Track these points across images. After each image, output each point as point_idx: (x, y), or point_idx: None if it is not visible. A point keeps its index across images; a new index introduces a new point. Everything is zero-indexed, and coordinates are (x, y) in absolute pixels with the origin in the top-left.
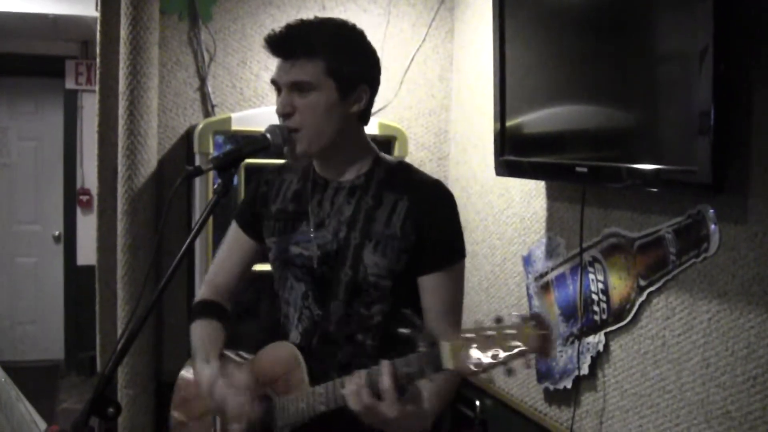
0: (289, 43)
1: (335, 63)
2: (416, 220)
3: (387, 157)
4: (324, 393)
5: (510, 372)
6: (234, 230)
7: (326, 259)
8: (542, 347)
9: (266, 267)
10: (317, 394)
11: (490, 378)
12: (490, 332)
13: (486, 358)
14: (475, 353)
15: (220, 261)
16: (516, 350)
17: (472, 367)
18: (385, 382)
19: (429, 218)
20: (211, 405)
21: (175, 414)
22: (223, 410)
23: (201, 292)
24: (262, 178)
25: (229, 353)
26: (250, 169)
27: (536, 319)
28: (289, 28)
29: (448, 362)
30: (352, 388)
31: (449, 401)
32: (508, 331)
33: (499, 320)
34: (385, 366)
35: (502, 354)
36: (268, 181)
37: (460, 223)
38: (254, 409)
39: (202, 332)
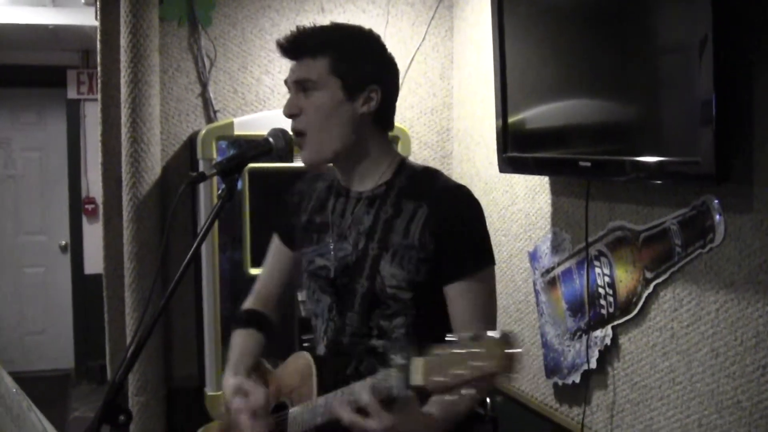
0: (296, 43)
1: (340, 61)
2: (435, 229)
3: (413, 163)
4: (323, 405)
5: (479, 391)
6: (274, 242)
7: (346, 271)
8: (505, 367)
9: None
10: (318, 405)
11: (457, 395)
12: (458, 350)
13: (451, 377)
14: (442, 371)
15: (264, 273)
16: (480, 371)
17: (438, 386)
18: (363, 398)
19: (448, 225)
20: (231, 415)
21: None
22: (236, 426)
23: (247, 301)
24: (296, 187)
25: (265, 362)
26: (254, 173)
27: (504, 338)
28: (300, 30)
29: (417, 379)
30: (338, 406)
31: (467, 407)
32: (476, 350)
33: (475, 338)
34: (362, 384)
35: (467, 373)
36: (301, 190)
37: (486, 228)
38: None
39: (238, 343)
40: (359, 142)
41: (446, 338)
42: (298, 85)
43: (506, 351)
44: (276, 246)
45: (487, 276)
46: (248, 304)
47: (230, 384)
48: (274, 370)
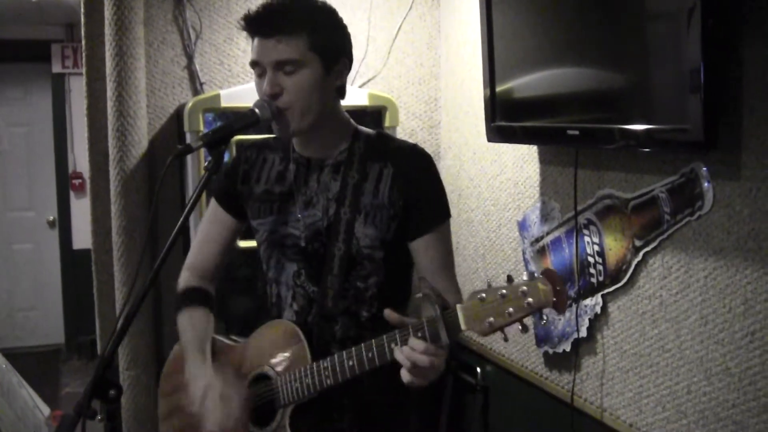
0: (270, 21)
1: (318, 38)
2: (402, 186)
3: (364, 129)
4: (330, 367)
5: (525, 328)
6: (213, 208)
7: (317, 237)
8: (556, 302)
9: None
10: (323, 368)
11: (506, 336)
12: (503, 291)
13: (500, 317)
14: (489, 313)
15: (200, 242)
16: (530, 306)
17: (487, 328)
18: (416, 344)
19: (414, 183)
20: (199, 412)
21: (162, 402)
22: (209, 422)
23: (183, 277)
24: (241, 155)
25: (221, 338)
26: (241, 145)
27: (548, 275)
28: (268, 7)
29: (463, 324)
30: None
31: None
32: (522, 288)
33: (510, 279)
34: (398, 334)
35: (516, 311)
36: (248, 158)
37: (442, 184)
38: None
39: (191, 323)
40: (327, 112)
41: (488, 286)
42: (278, 66)
43: (555, 287)
44: (214, 214)
45: (447, 228)
46: (185, 279)
47: (199, 377)
48: (241, 343)
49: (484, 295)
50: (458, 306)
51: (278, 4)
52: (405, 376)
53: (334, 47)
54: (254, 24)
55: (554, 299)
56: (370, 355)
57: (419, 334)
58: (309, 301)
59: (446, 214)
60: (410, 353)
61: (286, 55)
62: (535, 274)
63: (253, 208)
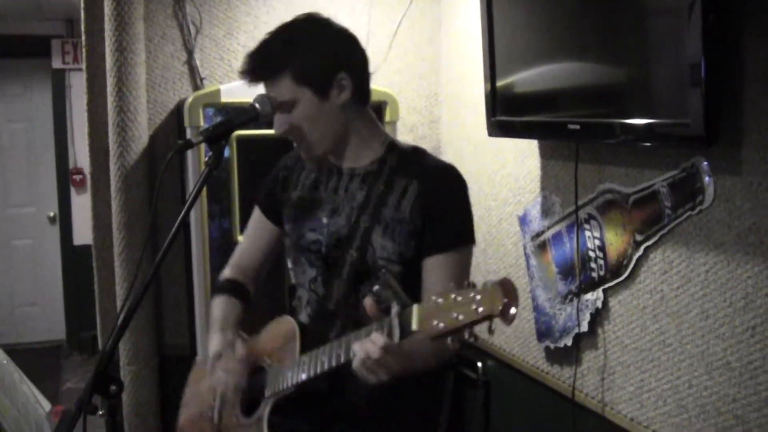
0: (253, 71)
1: (302, 70)
2: (424, 204)
3: (401, 143)
4: (307, 361)
5: (473, 336)
6: (256, 215)
7: (337, 244)
8: (503, 312)
9: None
10: (301, 362)
11: (461, 340)
12: (457, 297)
13: (450, 321)
14: (440, 317)
15: (244, 245)
16: (478, 314)
17: (435, 331)
18: (378, 339)
19: (436, 201)
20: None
21: (186, 390)
22: (212, 380)
23: (225, 272)
24: (282, 163)
25: (244, 335)
26: (242, 140)
27: (503, 285)
28: (251, 55)
29: (415, 324)
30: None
31: (437, 356)
32: (475, 296)
33: (471, 285)
34: (360, 332)
35: (463, 318)
36: (288, 166)
37: (470, 209)
38: (236, 381)
39: (220, 308)
40: (347, 126)
41: (444, 288)
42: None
43: (503, 299)
44: (257, 219)
45: (465, 254)
46: (225, 272)
47: (217, 338)
48: (253, 337)
49: (440, 298)
50: (415, 306)
51: (258, 50)
52: (356, 364)
53: (322, 71)
54: (244, 76)
55: (500, 308)
56: (339, 351)
57: (381, 331)
58: (318, 304)
59: (466, 239)
60: (365, 345)
61: (278, 98)
62: (492, 282)
63: (287, 213)
